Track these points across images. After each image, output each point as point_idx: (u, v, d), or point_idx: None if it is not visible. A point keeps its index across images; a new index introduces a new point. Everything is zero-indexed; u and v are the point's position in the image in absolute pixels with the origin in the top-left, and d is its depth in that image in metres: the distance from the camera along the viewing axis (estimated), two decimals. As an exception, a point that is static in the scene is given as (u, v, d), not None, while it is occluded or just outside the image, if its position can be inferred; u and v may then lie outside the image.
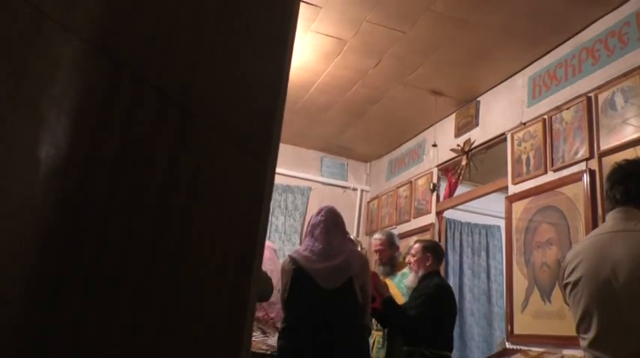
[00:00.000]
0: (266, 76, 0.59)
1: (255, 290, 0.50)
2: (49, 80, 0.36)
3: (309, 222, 2.90)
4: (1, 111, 0.33)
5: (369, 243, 5.30)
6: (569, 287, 1.95)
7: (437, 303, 3.07)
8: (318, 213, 2.86)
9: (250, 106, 0.56)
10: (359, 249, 3.53)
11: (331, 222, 2.81)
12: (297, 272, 2.72)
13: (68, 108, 0.37)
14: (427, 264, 3.24)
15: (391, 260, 3.50)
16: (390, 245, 3.63)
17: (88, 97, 0.39)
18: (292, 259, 2.76)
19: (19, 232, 0.35)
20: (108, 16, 0.40)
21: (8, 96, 0.34)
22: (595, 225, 3.02)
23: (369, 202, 6.26)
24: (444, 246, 4.93)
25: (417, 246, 3.36)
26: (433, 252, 3.28)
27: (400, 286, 3.43)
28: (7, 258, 0.34)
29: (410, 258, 3.34)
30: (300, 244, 5.53)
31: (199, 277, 0.46)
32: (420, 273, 3.25)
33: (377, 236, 3.79)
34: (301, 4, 3.45)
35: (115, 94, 0.41)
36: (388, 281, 3.44)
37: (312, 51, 4.04)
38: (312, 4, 3.48)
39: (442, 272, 4.77)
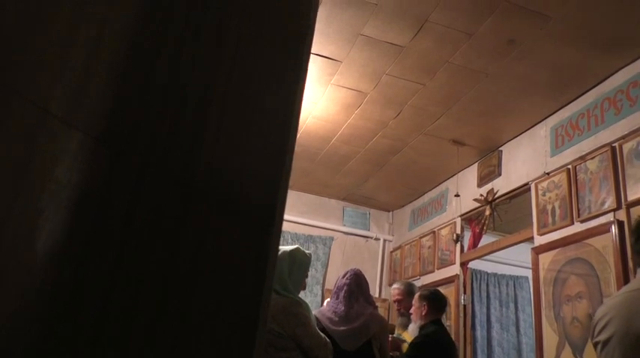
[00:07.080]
0: (271, 146, 0.59)
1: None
2: (50, 175, 0.37)
3: (335, 283, 2.98)
4: (2, 207, 0.34)
5: (391, 294, 5.20)
6: (599, 346, 1.88)
7: (420, 353, 3.00)
8: (344, 276, 2.94)
9: (254, 178, 0.57)
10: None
11: (355, 285, 2.88)
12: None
13: (67, 201, 0.38)
14: (423, 314, 3.17)
15: (409, 310, 3.43)
16: (408, 294, 3.58)
17: (87, 187, 0.40)
18: (316, 319, 2.77)
19: (17, 329, 0.35)
20: (110, 107, 0.42)
21: (10, 193, 0.35)
22: (626, 278, 2.92)
23: (391, 252, 6.17)
24: (469, 298, 4.82)
25: (416, 295, 3.31)
26: (428, 300, 3.19)
27: None
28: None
29: (412, 309, 3.29)
30: (322, 298, 5.50)
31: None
32: (419, 323, 3.19)
33: (395, 286, 3.77)
34: (322, 58, 3.54)
35: (115, 181, 0.42)
36: (406, 335, 3.36)
37: (333, 103, 4.10)
38: (332, 59, 3.56)
39: (466, 324, 4.65)
